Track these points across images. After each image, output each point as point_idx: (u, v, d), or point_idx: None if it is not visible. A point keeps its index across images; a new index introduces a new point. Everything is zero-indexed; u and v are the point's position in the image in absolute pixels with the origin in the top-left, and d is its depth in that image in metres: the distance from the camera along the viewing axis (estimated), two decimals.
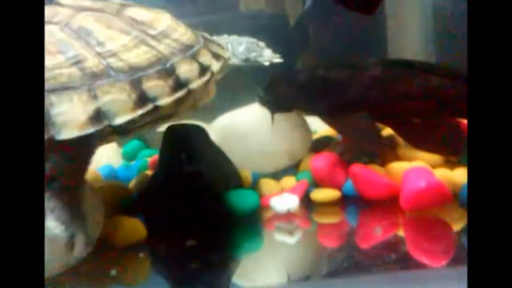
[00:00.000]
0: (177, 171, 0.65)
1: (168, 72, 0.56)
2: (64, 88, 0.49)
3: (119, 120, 0.50)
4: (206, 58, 0.61)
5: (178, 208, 0.64)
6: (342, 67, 0.73)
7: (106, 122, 0.50)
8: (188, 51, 0.59)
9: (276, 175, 0.77)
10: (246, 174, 0.72)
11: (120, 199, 0.68)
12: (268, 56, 0.76)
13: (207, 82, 0.60)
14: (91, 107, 0.49)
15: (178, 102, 0.56)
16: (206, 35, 0.68)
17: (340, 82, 0.71)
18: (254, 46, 0.77)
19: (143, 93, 0.53)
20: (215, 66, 0.61)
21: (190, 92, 0.57)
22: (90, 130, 0.48)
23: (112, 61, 0.53)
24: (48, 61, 0.50)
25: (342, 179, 0.68)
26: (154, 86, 0.54)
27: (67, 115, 0.48)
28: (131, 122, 0.52)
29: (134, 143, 0.95)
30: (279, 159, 0.77)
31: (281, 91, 0.77)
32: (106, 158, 0.87)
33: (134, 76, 0.53)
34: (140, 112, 0.52)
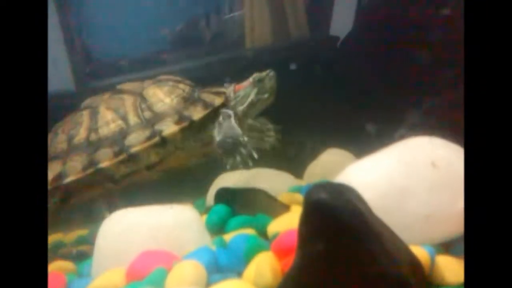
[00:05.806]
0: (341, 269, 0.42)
1: (116, 143, 0.81)
2: (74, 151, 0.84)
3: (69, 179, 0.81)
4: (162, 126, 0.80)
5: None
6: None
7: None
8: (152, 121, 0.81)
9: (449, 248, 0.54)
10: (423, 253, 0.49)
11: None
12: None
13: (154, 145, 0.81)
14: (86, 162, 0.81)
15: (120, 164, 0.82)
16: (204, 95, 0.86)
17: None
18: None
19: (93, 159, 0.81)
20: (167, 131, 0.80)
21: (133, 156, 0.81)
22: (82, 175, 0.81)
23: (92, 135, 0.83)
24: (74, 133, 0.86)
25: None
26: (101, 154, 0.81)
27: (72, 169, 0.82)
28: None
29: (219, 210, 0.72)
30: (453, 225, 0.54)
31: None
32: (186, 230, 0.63)
33: (95, 147, 0.82)
34: (88, 171, 0.81)
